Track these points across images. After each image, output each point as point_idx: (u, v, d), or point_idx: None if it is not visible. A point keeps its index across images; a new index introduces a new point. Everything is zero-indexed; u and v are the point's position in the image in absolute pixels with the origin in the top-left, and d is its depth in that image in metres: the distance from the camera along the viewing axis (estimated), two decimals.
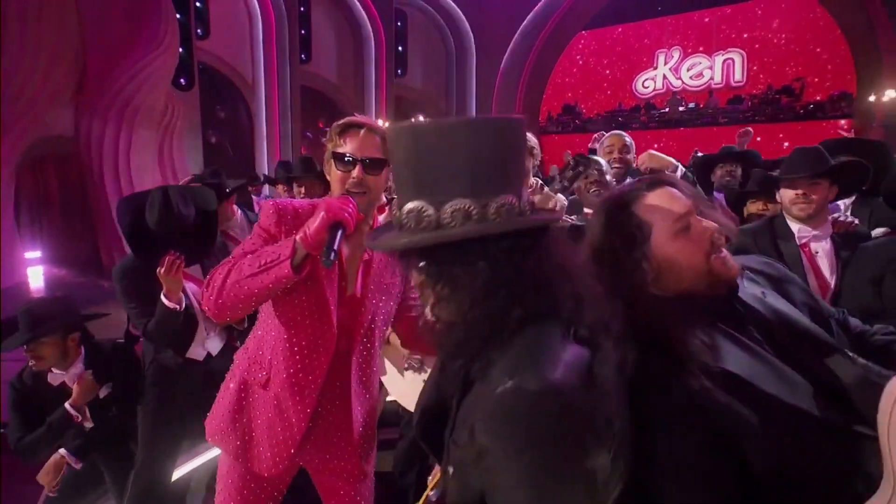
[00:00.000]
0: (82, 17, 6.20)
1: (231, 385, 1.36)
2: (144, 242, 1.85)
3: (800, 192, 1.71)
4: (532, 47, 12.93)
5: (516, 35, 12.58)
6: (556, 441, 0.67)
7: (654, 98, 13.23)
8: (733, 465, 0.88)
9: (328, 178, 1.36)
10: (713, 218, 1.01)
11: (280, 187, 3.64)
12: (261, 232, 1.30)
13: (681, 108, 12.19)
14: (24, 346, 1.81)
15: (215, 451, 2.37)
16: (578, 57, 13.93)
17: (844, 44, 10.47)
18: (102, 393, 1.97)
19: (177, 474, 2.06)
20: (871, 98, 9.22)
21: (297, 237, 1.15)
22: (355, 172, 1.23)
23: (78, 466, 1.86)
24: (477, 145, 0.73)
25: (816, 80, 11.26)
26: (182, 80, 8.17)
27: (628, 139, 2.46)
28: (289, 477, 1.37)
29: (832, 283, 1.72)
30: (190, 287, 1.98)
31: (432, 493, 1.07)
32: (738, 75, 12.25)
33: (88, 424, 1.90)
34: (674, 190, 1.00)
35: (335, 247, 1.09)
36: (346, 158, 1.24)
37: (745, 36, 12.08)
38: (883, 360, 0.94)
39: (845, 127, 9.10)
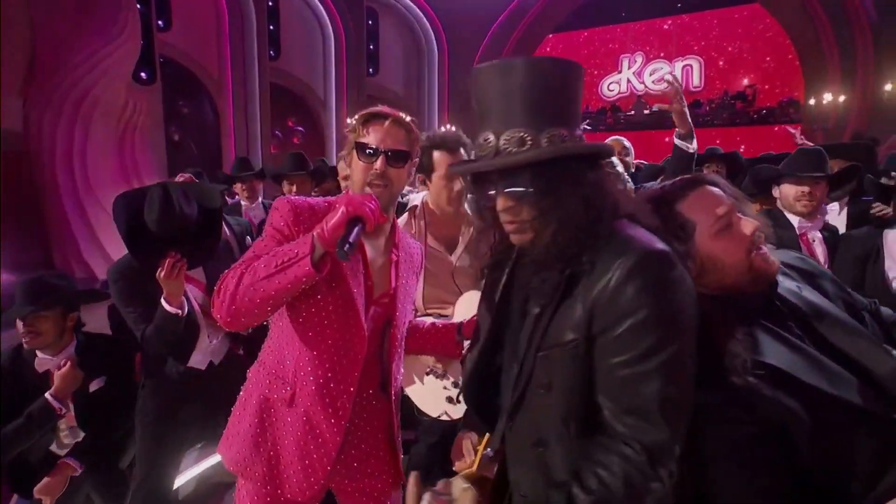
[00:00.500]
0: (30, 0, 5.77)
1: (249, 406, 1.26)
2: (143, 243, 1.73)
3: (805, 189, 1.83)
4: (503, 49, 13.08)
5: (487, 37, 12.69)
6: (679, 295, 0.82)
7: (619, 101, 13.68)
8: (782, 455, 0.92)
9: (348, 170, 1.30)
10: (751, 215, 1.05)
11: (239, 186, 3.41)
12: (274, 233, 1.21)
13: (645, 112, 12.65)
14: (22, 321, 1.70)
15: (215, 459, 2.29)
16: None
17: (793, 53, 11.16)
18: (93, 387, 1.85)
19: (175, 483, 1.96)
20: (812, 101, 9.90)
21: (315, 233, 1.09)
22: (378, 164, 1.18)
23: (80, 471, 1.75)
24: (572, 81, 0.90)
25: (767, 87, 11.98)
26: (143, 74, 7.75)
27: (627, 143, 2.57)
28: (318, 502, 1.27)
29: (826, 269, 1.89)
30: (192, 291, 1.88)
31: (487, 450, 1.04)
32: (696, 81, 12.83)
33: (70, 424, 1.77)
34: (715, 189, 1.03)
35: (350, 240, 1.04)
36: (368, 149, 1.19)
37: (703, 44, 12.69)
38: None
39: (795, 130, 9.71)
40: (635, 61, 13.51)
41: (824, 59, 9.89)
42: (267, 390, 1.24)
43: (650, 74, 13.32)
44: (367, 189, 1.20)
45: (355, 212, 1.08)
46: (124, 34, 6.63)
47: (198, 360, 1.87)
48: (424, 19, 12.54)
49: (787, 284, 1.04)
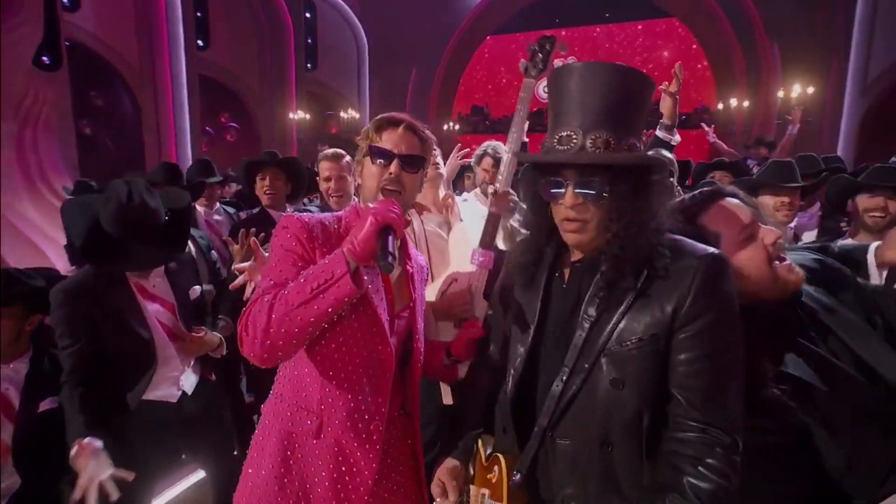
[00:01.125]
0: None
1: (268, 446, 1.15)
2: (100, 249, 1.52)
3: (785, 199, 1.98)
4: (446, 48, 13.13)
5: (430, 36, 12.65)
6: (735, 295, 0.92)
7: None
8: (804, 463, 0.98)
9: (359, 177, 1.26)
10: (772, 224, 1.10)
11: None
12: (286, 254, 1.12)
13: None
14: None
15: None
16: (486, 60, 14.49)
17: (706, 63, 12.28)
18: (44, 407, 1.62)
19: None
20: (720, 107, 10.98)
21: (345, 249, 1.03)
22: (392, 168, 1.16)
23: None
24: (649, 95, 0.96)
25: (683, 94, 13.03)
26: (45, 59, 6.83)
27: None
28: None
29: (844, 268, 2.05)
30: (157, 311, 1.67)
31: (516, 476, 1.00)
32: None
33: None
34: (736, 200, 1.07)
35: (390, 249, 1.01)
36: (382, 153, 1.17)
37: (629, 52, 13.56)
38: None
39: (713, 132, 10.66)
40: None
41: (732, 69, 10.99)
42: (290, 424, 1.15)
43: None
44: (380, 195, 1.17)
45: (384, 221, 1.03)
46: (22, 13, 5.82)
47: (169, 392, 1.67)
48: (364, 16, 12.24)
49: (806, 289, 1.10)
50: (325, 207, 2.66)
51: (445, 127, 12.80)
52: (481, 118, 13.98)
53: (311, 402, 1.14)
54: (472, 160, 2.91)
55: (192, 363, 1.76)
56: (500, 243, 1.68)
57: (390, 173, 1.16)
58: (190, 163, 8.92)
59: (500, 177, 1.61)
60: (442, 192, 2.22)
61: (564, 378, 0.95)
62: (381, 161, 1.17)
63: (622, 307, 0.93)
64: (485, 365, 1.20)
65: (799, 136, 7.38)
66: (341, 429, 1.12)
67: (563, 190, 0.94)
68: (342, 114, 10.41)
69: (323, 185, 2.42)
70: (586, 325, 0.95)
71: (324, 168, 2.40)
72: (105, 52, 7.69)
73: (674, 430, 0.90)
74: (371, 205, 1.10)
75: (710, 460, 0.85)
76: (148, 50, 8.12)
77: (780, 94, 7.18)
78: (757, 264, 1.03)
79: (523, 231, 1.18)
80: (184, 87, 8.60)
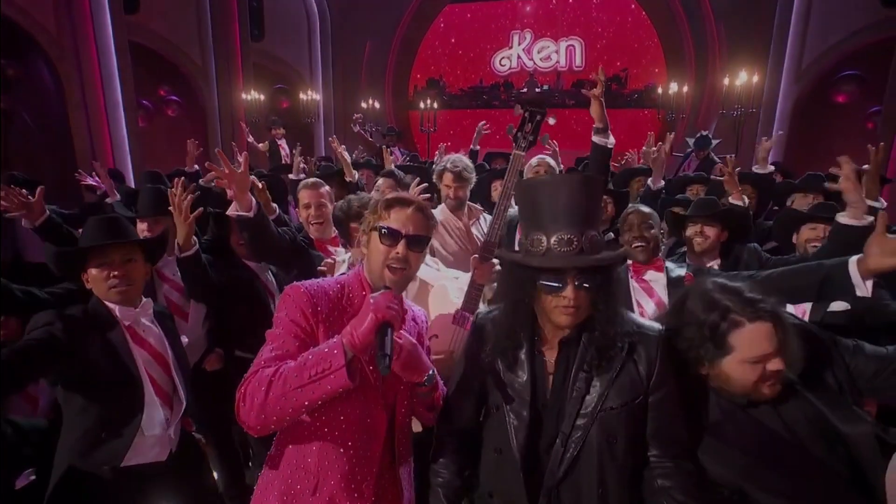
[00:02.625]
0: None
1: (269, 498, 1.24)
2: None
3: (697, 228, 2.23)
4: (402, 18, 12.55)
5: (386, 4, 12.03)
6: None
7: (511, 76, 14.15)
8: None
9: (364, 249, 1.30)
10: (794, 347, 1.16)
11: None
12: (290, 325, 1.18)
13: (537, 90, 13.27)
14: None
15: None
16: (441, 31, 14.03)
17: (657, 40, 12.52)
18: (20, 484, 1.57)
19: None
20: (670, 91, 10.96)
21: (344, 340, 1.10)
22: (399, 248, 1.23)
23: None
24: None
25: (636, 71, 13.35)
26: None
27: (552, 162, 2.81)
28: None
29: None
30: (142, 355, 1.60)
31: None
32: (578, 61, 13.77)
33: None
34: (771, 328, 1.13)
35: (388, 350, 1.08)
36: (391, 233, 1.23)
37: (584, 25, 13.58)
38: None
39: (660, 115, 11.00)
40: (525, 38, 13.99)
41: (682, 52, 11.28)
42: (289, 480, 1.23)
43: (538, 52, 13.95)
44: (386, 271, 1.24)
45: (384, 318, 1.10)
46: None
47: (152, 452, 1.60)
48: None
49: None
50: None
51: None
52: (437, 91, 13.67)
53: (309, 463, 1.22)
54: (434, 177, 2.95)
55: (177, 414, 1.70)
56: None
57: (397, 253, 1.23)
58: (126, 141, 8.23)
59: (492, 239, 1.74)
60: None
61: (564, 442, 1.12)
62: (389, 240, 1.23)
63: (609, 376, 1.13)
64: (456, 430, 1.32)
65: (737, 123, 7.85)
66: (336, 488, 1.21)
67: (561, 285, 1.09)
68: (301, 95, 9.81)
69: (303, 213, 2.52)
70: (578, 396, 1.13)
71: (303, 196, 2.51)
72: (16, 15, 6.77)
73: (656, 467, 1.14)
74: (372, 297, 1.15)
75: (688, 485, 1.12)
76: (66, 14, 7.22)
77: (726, 80, 7.51)
78: (745, 380, 1.14)
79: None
80: (112, 55, 7.77)
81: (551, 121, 1.85)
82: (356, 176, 3.78)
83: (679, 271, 1.99)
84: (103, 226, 1.61)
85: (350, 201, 2.17)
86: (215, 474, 2.17)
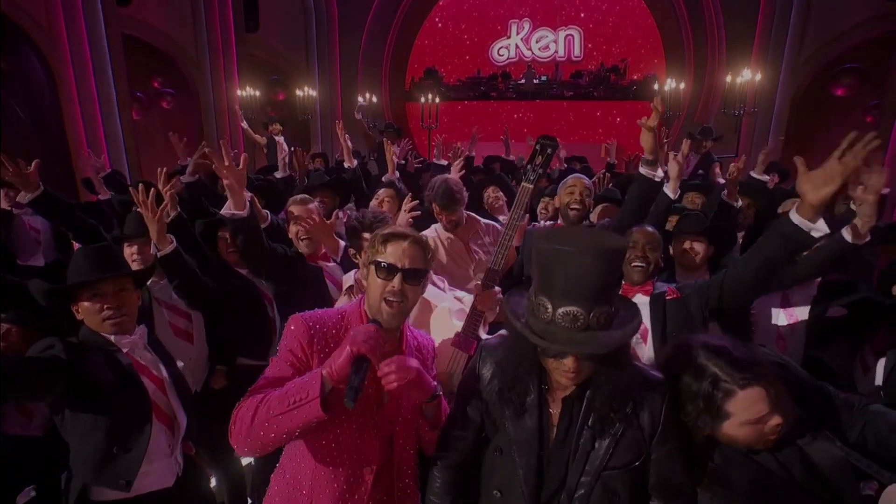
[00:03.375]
0: None
1: None
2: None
3: (687, 246, 2.23)
4: (399, 6, 12.35)
5: None
6: None
7: (509, 66, 14.00)
8: None
9: (364, 282, 1.32)
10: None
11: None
12: (288, 355, 1.24)
13: (535, 81, 13.14)
14: None
15: None
16: (438, 20, 13.83)
17: (656, 32, 12.37)
18: (21, 500, 1.58)
19: None
20: (667, 88, 10.70)
21: (323, 372, 1.14)
22: (395, 282, 1.24)
23: None
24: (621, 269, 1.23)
25: (634, 61, 13.20)
26: None
27: (587, 181, 2.71)
28: None
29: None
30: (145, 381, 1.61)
31: None
32: (577, 51, 13.62)
33: None
34: (765, 392, 1.11)
35: (356, 385, 1.10)
36: (387, 267, 1.25)
37: (582, 15, 13.41)
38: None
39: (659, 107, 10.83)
40: (523, 27, 13.81)
41: (680, 40, 11.13)
42: (287, 500, 1.30)
43: (536, 42, 13.78)
44: (383, 304, 1.26)
45: (358, 351, 1.12)
46: None
47: (159, 477, 1.60)
48: None
49: None
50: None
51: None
52: (434, 81, 13.52)
53: (303, 485, 1.27)
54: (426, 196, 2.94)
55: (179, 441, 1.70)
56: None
57: (393, 287, 1.24)
58: (120, 134, 8.13)
59: (494, 268, 1.74)
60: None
61: (570, 497, 1.15)
62: (386, 274, 1.25)
63: (613, 436, 1.13)
64: (452, 464, 1.33)
65: (738, 123, 7.74)
66: None
67: (564, 359, 1.08)
68: (297, 91, 9.67)
69: (292, 229, 2.48)
70: (584, 453, 1.14)
71: (292, 212, 2.51)
72: (6, 7, 6.63)
73: None
74: (354, 330, 1.19)
75: None
76: (58, 6, 7.08)
77: (728, 78, 7.41)
78: (748, 437, 1.15)
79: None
80: (104, 48, 7.64)
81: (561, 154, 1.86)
82: (356, 163, 3.73)
83: (662, 287, 2.00)
84: (93, 257, 1.56)
85: (365, 215, 2.17)
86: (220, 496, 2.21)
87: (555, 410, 1.19)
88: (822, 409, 1.27)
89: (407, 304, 1.28)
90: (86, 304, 1.55)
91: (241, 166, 2.07)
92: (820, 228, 1.52)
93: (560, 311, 1.02)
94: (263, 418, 1.12)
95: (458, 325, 1.73)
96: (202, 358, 2.45)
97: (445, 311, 1.76)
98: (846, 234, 1.93)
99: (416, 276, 1.27)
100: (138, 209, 2.19)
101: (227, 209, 2.10)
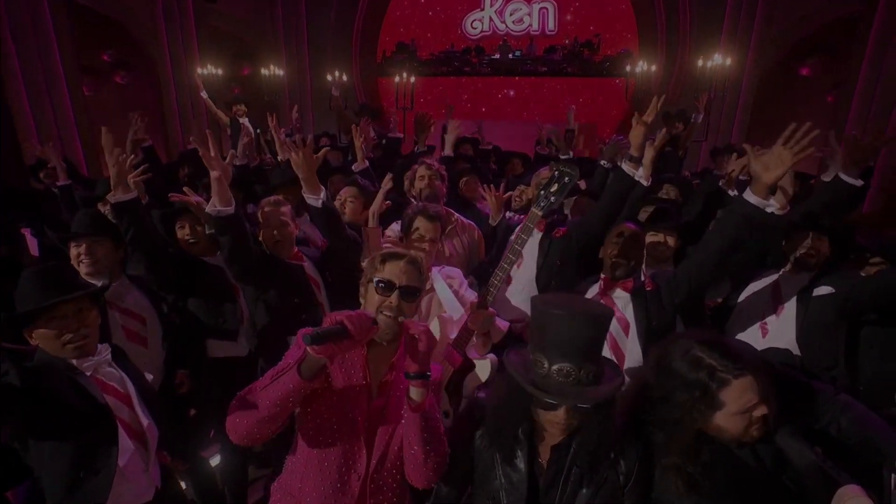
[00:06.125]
0: None
1: None
2: None
3: (661, 239, 2.31)
4: None
5: None
6: None
7: (483, 40, 13.68)
8: None
9: (362, 300, 1.40)
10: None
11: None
12: (284, 363, 1.32)
13: (510, 56, 12.90)
14: None
15: None
16: None
17: (628, 5, 12.26)
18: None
19: None
20: (638, 70, 10.56)
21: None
22: (393, 298, 1.34)
23: None
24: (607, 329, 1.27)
25: (608, 36, 13.11)
26: None
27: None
28: None
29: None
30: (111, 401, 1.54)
31: None
32: (551, 24, 13.40)
33: None
34: (755, 380, 1.19)
35: (322, 332, 1.12)
36: (385, 284, 1.35)
37: None
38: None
39: (628, 96, 10.81)
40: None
41: (654, 22, 11.09)
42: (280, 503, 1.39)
43: (510, 15, 13.48)
44: (380, 317, 1.33)
45: (344, 321, 1.16)
46: None
47: (139, 494, 1.56)
48: None
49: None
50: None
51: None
52: (408, 56, 13.11)
53: (293, 487, 1.35)
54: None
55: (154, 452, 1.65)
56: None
57: (391, 302, 1.35)
58: (70, 112, 7.59)
59: (491, 289, 1.82)
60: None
61: None
62: (384, 291, 1.35)
63: (596, 484, 1.24)
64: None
65: (708, 107, 7.84)
66: None
67: (556, 410, 1.20)
68: (263, 71, 9.19)
69: (264, 232, 2.43)
70: (570, 498, 1.25)
71: (264, 215, 2.42)
72: None
73: None
74: (351, 312, 1.26)
75: None
76: None
77: (700, 62, 7.45)
78: (734, 429, 1.22)
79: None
80: (47, 20, 7.04)
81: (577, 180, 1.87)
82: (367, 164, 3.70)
83: (640, 282, 2.08)
84: (44, 279, 1.43)
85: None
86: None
87: (543, 459, 1.30)
88: (797, 398, 1.35)
89: (402, 319, 1.38)
90: (42, 330, 1.44)
91: (227, 160, 1.99)
92: (773, 205, 1.76)
93: (555, 367, 1.17)
94: (252, 399, 1.21)
95: (450, 338, 1.85)
96: (158, 363, 2.38)
97: (448, 320, 1.87)
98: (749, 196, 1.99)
99: (411, 294, 1.37)
100: (98, 208, 2.09)
101: (212, 206, 1.98)
